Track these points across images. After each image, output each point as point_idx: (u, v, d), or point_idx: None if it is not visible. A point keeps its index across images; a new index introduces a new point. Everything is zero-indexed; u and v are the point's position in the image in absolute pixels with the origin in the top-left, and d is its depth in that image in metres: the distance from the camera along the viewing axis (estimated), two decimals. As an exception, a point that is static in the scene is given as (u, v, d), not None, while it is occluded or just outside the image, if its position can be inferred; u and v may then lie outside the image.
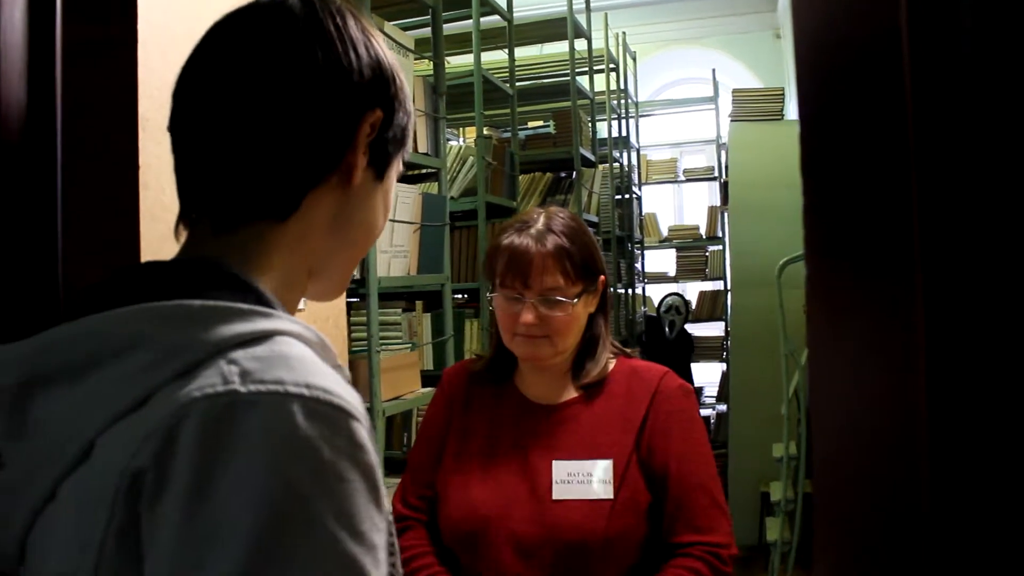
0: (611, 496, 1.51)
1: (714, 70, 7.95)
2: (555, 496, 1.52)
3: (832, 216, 0.60)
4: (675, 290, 7.63)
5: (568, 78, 5.12)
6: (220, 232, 0.75)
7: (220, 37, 0.78)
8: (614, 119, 6.57)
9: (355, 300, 2.86)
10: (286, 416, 0.59)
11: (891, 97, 0.49)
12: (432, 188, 3.38)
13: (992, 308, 0.46)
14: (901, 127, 0.48)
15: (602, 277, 1.64)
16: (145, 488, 0.58)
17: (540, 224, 1.59)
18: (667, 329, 7.17)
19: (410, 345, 3.13)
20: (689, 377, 6.69)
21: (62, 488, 0.62)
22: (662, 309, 7.23)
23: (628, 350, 1.72)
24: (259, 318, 0.65)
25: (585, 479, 1.52)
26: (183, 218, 0.80)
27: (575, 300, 1.57)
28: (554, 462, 1.55)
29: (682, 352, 7.26)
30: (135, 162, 1.36)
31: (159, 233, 1.41)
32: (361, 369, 2.71)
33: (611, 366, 1.65)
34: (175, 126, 0.82)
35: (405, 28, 3.55)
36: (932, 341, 0.47)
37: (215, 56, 0.77)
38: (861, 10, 0.55)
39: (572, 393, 1.64)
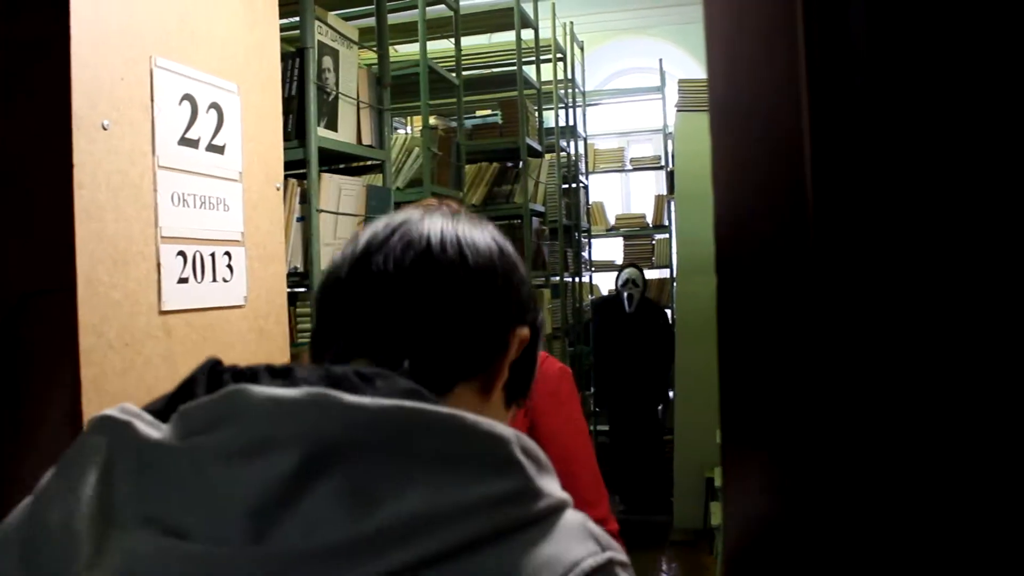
0: None
1: (661, 60, 8.00)
2: None
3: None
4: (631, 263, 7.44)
5: (515, 68, 5.12)
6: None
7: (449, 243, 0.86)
8: (561, 108, 6.58)
9: (301, 291, 2.85)
10: None
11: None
12: (377, 180, 3.37)
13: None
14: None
15: None
16: None
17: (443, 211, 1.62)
18: (626, 304, 6.86)
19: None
20: (669, 355, 6.33)
21: None
22: (619, 283, 6.95)
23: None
24: None
25: None
26: (330, 347, 0.82)
27: None
28: None
29: (650, 325, 6.84)
30: (69, 160, 1.35)
31: (93, 232, 1.40)
32: (305, 362, 2.70)
33: None
34: (393, 291, 0.83)
35: (349, 18, 3.53)
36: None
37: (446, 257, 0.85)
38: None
39: None
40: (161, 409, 0.70)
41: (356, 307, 0.82)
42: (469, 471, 0.64)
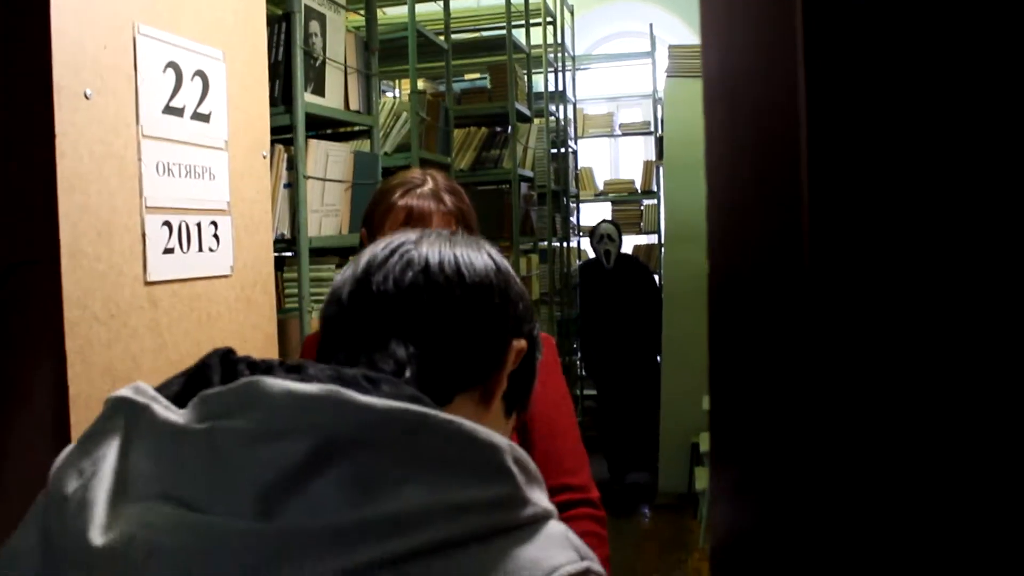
0: None
1: (651, 24, 7.94)
2: None
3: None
4: (605, 217, 7.24)
5: (504, 31, 5.07)
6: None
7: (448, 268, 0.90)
8: (551, 73, 6.54)
9: (289, 255, 2.83)
10: None
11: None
12: (364, 145, 3.35)
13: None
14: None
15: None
16: None
17: (430, 185, 1.64)
18: (604, 261, 6.55)
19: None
20: (656, 313, 6.14)
21: None
22: (594, 240, 6.59)
23: None
24: None
25: None
26: (342, 351, 0.87)
27: None
28: None
29: (632, 281, 6.51)
30: (51, 130, 1.33)
31: (77, 203, 1.38)
32: (292, 329, 2.70)
33: None
34: (393, 308, 0.88)
35: (337, -20, 3.48)
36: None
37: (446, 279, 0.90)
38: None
39: None
40: (177, 393, 0.75)
41: (358, 324, 0.86)
42: (464, 474, 0.69)
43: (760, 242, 0.73)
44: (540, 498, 0.72)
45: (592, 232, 6.65)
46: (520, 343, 0.92)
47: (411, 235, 0.93)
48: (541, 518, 0.72)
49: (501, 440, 0.71)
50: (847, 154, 0.58)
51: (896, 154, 0.57)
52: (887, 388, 0.57)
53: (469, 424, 0.71)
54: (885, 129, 0.57)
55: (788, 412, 0.65)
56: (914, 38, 0.56)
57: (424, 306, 0.86)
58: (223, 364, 0.76)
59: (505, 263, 0.96)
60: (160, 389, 0.75)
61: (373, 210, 1.67)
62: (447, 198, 1.63)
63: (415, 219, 1.59)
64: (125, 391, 0.74)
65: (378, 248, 0.91)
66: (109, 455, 0.73)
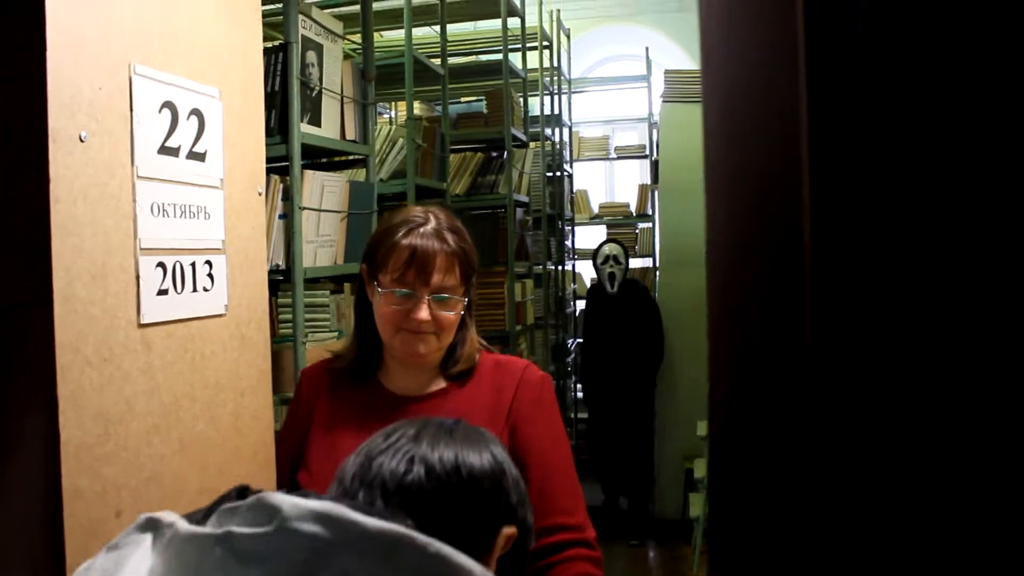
0: None
1: (647, 48, 7.97)
2: None
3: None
4: (612, 237, 6.88)
5: (500, 55, 5.08)
6: None
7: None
8: (547, 96, 6.55)
9: (283, 281, 2.82)
10: None
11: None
12: (360, 174, 3.34)
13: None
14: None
15: (474, 278, 1.70)
16: None
17: (433, 224, 1.64)
18: (608, 285, 6.02)
19: (337, 332, 3.11)
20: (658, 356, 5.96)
21: None
22: (599, 260, 6.08)
23: (490, 346, 1.80)
24: None
25: None
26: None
27: (465, 299, 1.65)
28: None
29: (635, 307, 5.99)
30: (45, 175, 1.31)
31: (71, 246, 1.37)
32: (286, 360, 2.68)
33: (476, 358, 1.71)
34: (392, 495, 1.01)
35: (332, 5, 3.48)
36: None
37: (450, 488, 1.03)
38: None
39: (440, 384, 1.70)
40: (200, 520, 0.86)
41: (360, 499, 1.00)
42: None
43: (761, 267, 0.73)
44: None
45: (595, 253, 6.23)
46: (510, 530, 1.03)
47: (410, 428, 1.06)
48: None
49: (475, 566, 0.81)
50: (849, 182, 0.57)
51: (899, 178, 0.56)
52: (889, 419, 0.56)
53: (448, 548, 0.80)
54: (887, 155, 0.57)
55: (789, 443, 0.64)
56: (920, 60, 0.56)
57: (419, 496, 0.98)
58: (238, 494, 0.87)
59: (503, 454, 1.08)
60: (186, 517, 0.87)
61: (376, 248, 1.66)
62: (450, 237, 1.63)
63: (419, 258, 1.60)
64: (156, 514, 0.86)
65: (379, 438, 1.05)
66: (134, 555, 0.83)
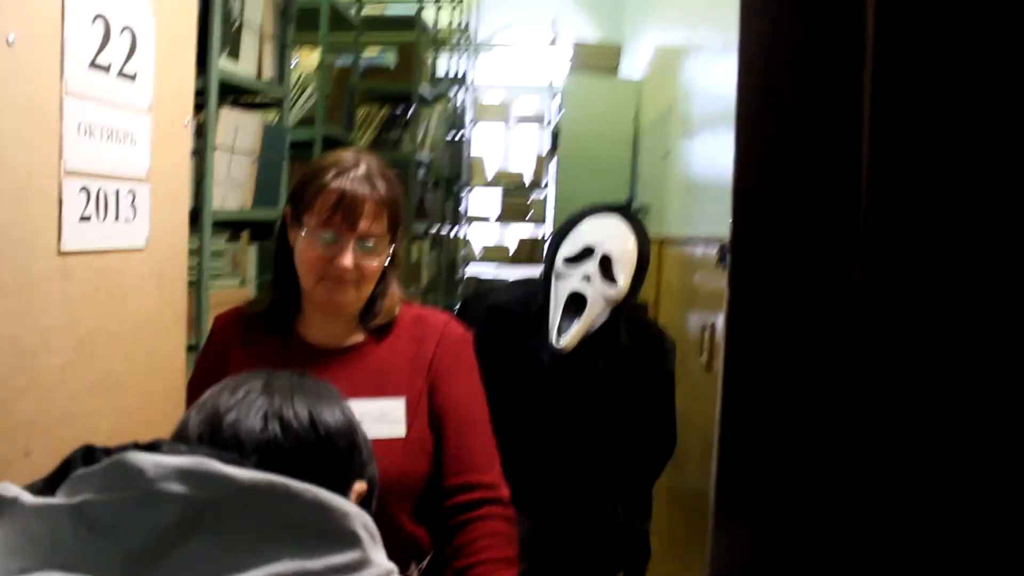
0: (403, 435, 1.56)
1: (555, 18, 7.95)
2: None
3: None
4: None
5: (415, 8, 4.97)
6: None
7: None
8: (454, 55, 6.46)
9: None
10: None
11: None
12: (271, 116, 3.20)
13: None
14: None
15: (401, 229, 1.65)
16: None
17: (364, 168, 1.58)
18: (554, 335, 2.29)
19: (239, 280, 2.99)
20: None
21: None
22: (564, 260, 2.30)
23: (410, 299, 1.75)
24: None
25: (378, 418, 1.54)
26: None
27: (390, 248, 1.60)
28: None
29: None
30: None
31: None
32: (189, 304, 2.55)
33: (397, 312, 1.67)
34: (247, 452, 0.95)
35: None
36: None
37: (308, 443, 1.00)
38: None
39: (359, 336, 1.65)
40: (41, 489, 0.81)
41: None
42: (319, 541, 0.79)
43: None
44: (382, 558, 0.84)
45: (561, 238, 2.52)
46: (361, 485, 1.04)
47: (257, 382, 1.01)
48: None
49: (352, 508, 0.82)
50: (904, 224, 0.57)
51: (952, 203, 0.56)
52: (892, 466, 0.56)
53: (325, 492, 0.81)
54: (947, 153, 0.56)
55: (796, 476, 0.64)
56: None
57: (278, 454, 0.94)
58: (85, 458, 0.82)
59: (352, 413, 1.06)
60: (26, 488, 0.80)
61: (303, 189, 1.58)
62: (380, 184, 1.57)
63: (347, 202, 1.53)
64: None
65: (226, 393, 1.00)
66: None
